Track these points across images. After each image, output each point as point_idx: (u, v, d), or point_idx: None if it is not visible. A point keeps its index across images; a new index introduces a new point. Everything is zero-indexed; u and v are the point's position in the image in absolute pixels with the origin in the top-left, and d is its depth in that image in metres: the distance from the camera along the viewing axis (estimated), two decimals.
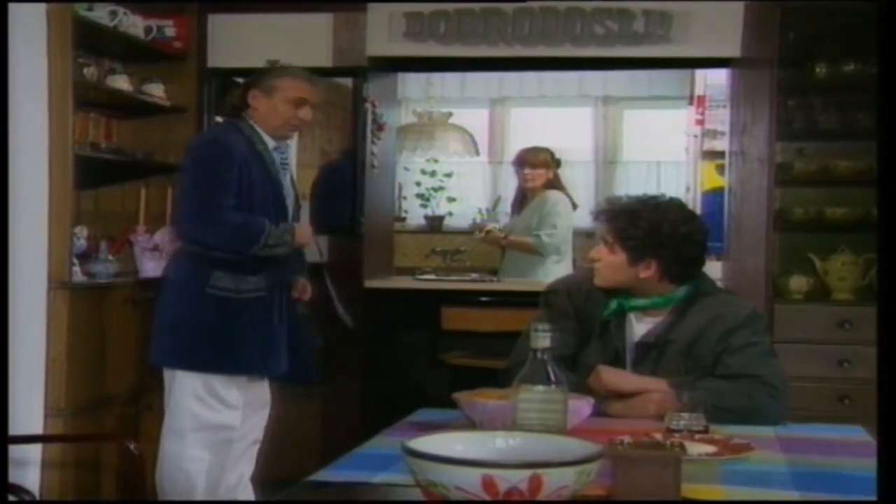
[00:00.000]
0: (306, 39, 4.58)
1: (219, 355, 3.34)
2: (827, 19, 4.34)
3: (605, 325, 2.52)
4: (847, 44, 4.33)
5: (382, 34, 4.57)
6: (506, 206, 5.90)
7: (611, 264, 2.52)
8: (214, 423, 3.36)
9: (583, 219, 6.03)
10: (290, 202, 3.47)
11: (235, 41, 4.62)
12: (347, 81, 4.74)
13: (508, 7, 4.47)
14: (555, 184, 5.16)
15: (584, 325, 2.54)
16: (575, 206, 5.18)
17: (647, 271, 2.49)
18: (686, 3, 4.34)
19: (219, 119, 4.30)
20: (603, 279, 2.54)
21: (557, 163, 5.19)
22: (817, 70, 4.29)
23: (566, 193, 5.17)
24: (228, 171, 3.28)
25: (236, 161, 3.30)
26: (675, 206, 2.58)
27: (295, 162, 4.85)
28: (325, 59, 4.59)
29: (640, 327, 2.52)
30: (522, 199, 5.26)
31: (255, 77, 3.49)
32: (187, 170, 3.41)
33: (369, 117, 4.69)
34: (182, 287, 3.37)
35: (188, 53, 4.49)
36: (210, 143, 3.47)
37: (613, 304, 2.53)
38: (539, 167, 5.11)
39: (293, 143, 4.86)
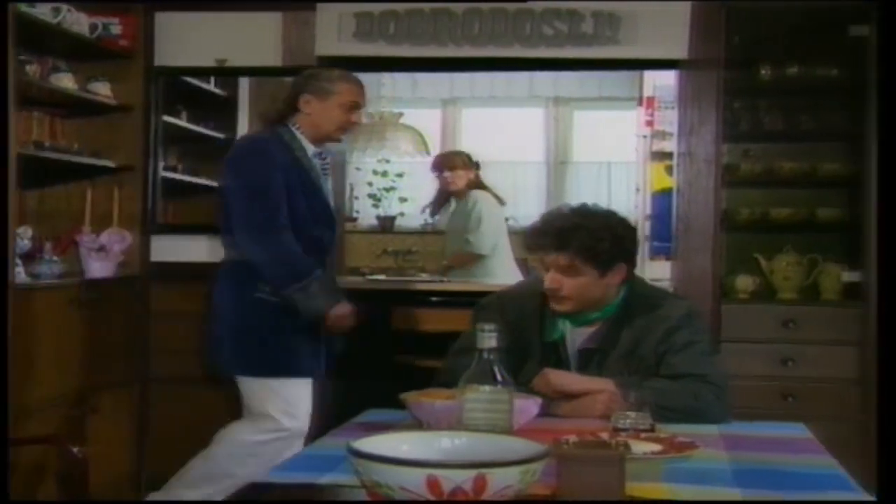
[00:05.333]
0: (255, 39, 4.55)
1: (284, 358, 3.36)
2: (771, 22, 4.41)
3: (545, 343, 2.53)
4: (790, 47, 4.39)
5: (332, 34, 4.55)
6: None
7: (579, 286, 2.46)
8: (288, 427, 3.37)
9: (522, 216, 6.12)
10: (332, 209, 3.49)
11: (183, 40, 4.58)
12: None
13: (458, 8, 4.48)
14: (477, 184, 5.28)
15: (518, 342, 2.47)
16: (502, 203, 5.29)
17: (617, 276, 2.50)
18: (634, 4, 4.37)
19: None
20: (573, 304, 2.48)
21: (476, 164, 5.29)
22: (762, 72, 4.35)
23: (491, 192, 5.26)
24: (276, 181, 3.27)
25: (281, 169, 3.29)
26: (605, 209, 2.59)
27: None
28: (274, 59, 4.57)
29: (580, 333, 2.53)
30: (445, 201, 5.37)
31: (305, 81, 3.44)
32: (237, 179, 3.36)
33: None
34: (237, 294, 3.38)
35: (135, 52, 4.44)
36: (257, 151, 3.39)
37: (559, 326, 2.52)
38: (458, 169, 5.23)
39: None
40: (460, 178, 5.24)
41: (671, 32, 4.35)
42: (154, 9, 4.52)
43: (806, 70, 4.34)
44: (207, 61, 4.58)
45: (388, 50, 4.54)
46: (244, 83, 4.81)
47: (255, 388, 3.38)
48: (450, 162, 5.29)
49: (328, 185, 3.47)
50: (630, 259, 2.52)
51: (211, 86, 4.83)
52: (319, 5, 4.53)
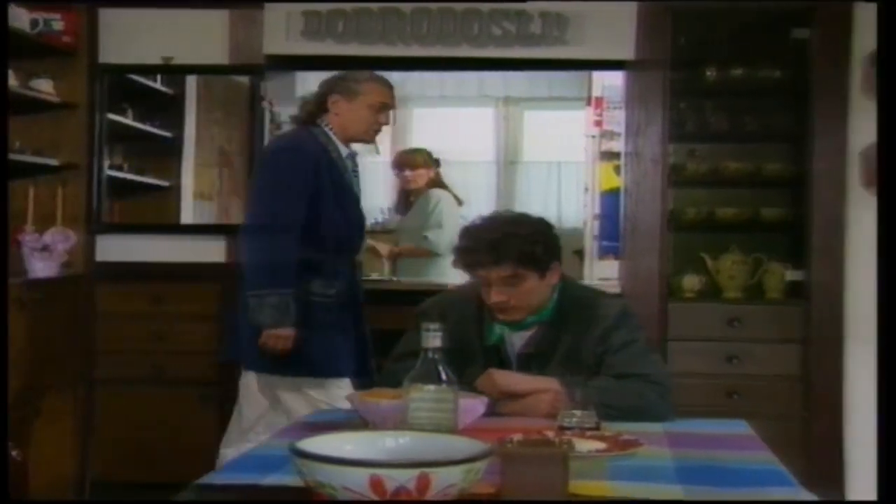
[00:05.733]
0: (202, 36, 4.51)
1: (325, 359, 3.33)
2: (716, 24, 4.46)
3: (485, 347, 2.53)
4: (735, 49, 4.45)
5: (280, 32, 4.53)
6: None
7: (525, 293, 2.46)
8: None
9: (473, 215, 6.09)
10: (363, 210, 3.50)
11: (128, 36, 4.53)
12: (246, 79, 4.69)
13: (406, 7, 4.48)
14: (437, 182, 5.24)
15: (460, 346, 2.42)
16: (460, 203, 5.25)
17: (554, 276, 2.52)
18: (581, 5, 4.40)
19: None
20: (524, 312, 2.49)
21: (436, 162, 5.25)
22: (707, 73, 4.40)
23: (450, 191, 5.23)
24: (303, 182, 3.26)
25: (314, 169, 3.28)
26: (521, 213, 2.61)
27: (192, 161, 4.79)
28: (221, 57, 4.53)
29: (519, 337, 2.54)
30: (405, 200, 5.31)
31: (334, 81, 3.43)
32: (264, 176, 3.36)
33: (267, 116, 4.64)
34: None
35: (78, 48, 4.38)
36: (293, 149, 3.38)
37: (496, 330, 2.53)
38: (419, 167, 5.18)
39: (191, 142, 4.80)
40: (421, 177, 5.18)
41: (618, 33, 4.38)
42: (98, 5, 4.46)
43: (750, 71, 4.39)
44: (153, 59, 4.53)
45: (337, 49, 4.53)
46: (191, 81, 4.77)
47: (287, 388, 3.35)
48: (410, 161, 5.22)
49: (358, 187, 3.49)
50: (560, 257, 2.53)
51: (157, 84, 4.77)
52: (267, 3, 4.50)
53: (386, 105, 3.43)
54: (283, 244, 3.26)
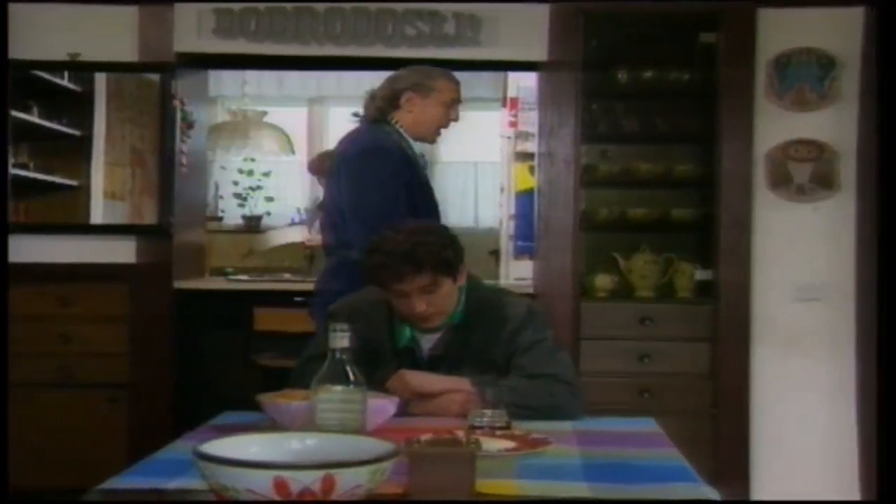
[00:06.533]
0: (111, 33, 4.42)
1: None
2: (626, 27, 4.52)
3: (396, 350, 2.53)
4: (645, 52, 4.52)
5: (191, 30, 4.46)
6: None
7: (443, 299, 2.47)
8: None
9: None
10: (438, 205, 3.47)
11: (36, 32, 4.41)
12: (157, 77, 4.61)
13: (320, 6, 4.45)
14: None
15: (370, 349, 2.44)
16: None
17: (462, 278, 2.54)
18: (495, 6, 4.43)
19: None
20: (442, 317, 2.50)
21: None
22: (619, 75, 4.45)
23: None
24: (397, 178, 3.25)
25: (403, 166, 3.28)
26: (419, 222, 2.66)
27: (102, 160, 4.70)
28: (130, 54, 4.45)
29: (428, 339, 2.55)
30: None
31: (406, 78, 3.41)
32: (359, 176, 3.28)
33: (178, 115, 4.57)
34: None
35: None
36: (379, 148, 3.33)
37: (407, 333, 2.53)
38: None
39: (101, 140, 4.71)
40: None
41: (531, 35, 4.42)
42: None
43: (660, 74, 4.46)
44: (60, 55, 4.43)
45: (250, 47, 4.48)
46: (101, 78, 4.67)
47: None
48: (321, 168, 5.08)
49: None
50: (464, 260, 2.55)
51: (65, 80, 4.67)
52: (177, 2, 4.43)
53: (456, 101, 3.44)
54: None
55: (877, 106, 3.41)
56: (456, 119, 3.47)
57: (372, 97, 3.45)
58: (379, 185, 3.26)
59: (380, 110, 3.40)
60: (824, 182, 4.38)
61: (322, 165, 5.15)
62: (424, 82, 3.41)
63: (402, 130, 3.39)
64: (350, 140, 3.45)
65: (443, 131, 3.55)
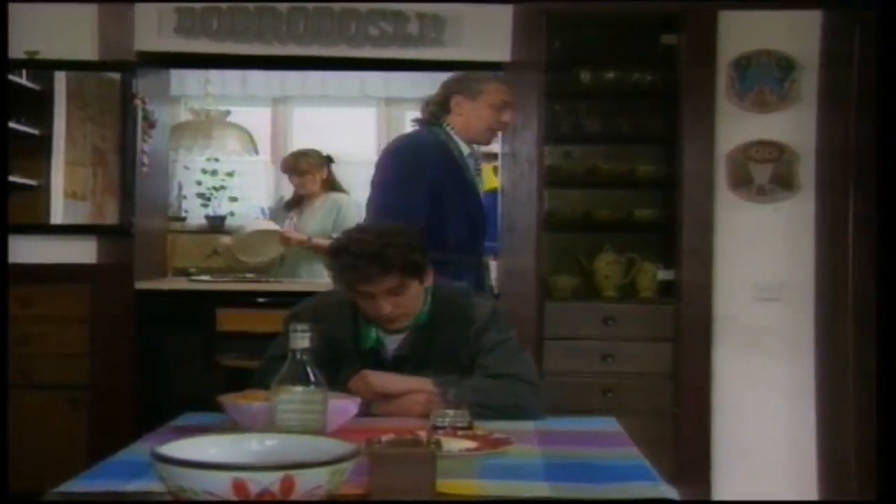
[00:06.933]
0: (70, 31, 4.38)
1: None
2: (589, 29, 4.55)
3: (360, 351, 2.53)
4: (608, 53, 4.54)
5: (152, 29, 4.43)
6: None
7: (410, 300, 2.48)
8: None
9: None
10: (485, 209, 3.50)
11: None
12: (118, 76, 4.57)
13: (283, 6, 4.43)
14: (333, 184, 5.13)
15: (334, 350, 2.45)
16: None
17: (429, 280, 2.54)
18: (458, 7, 4.43)
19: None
20: (408, 318, 2.50)
21: (328, 160, 5.13)
22: (581, 76, 4.48)
23: (344, 191, 5.15)
24: (421, 180, 3.28)
25: (433, 168, 3.30)
26: (386, 223, 2.67)
27: (63, 159, 4.65)
28: (90, 53, 4.41)
29: (393, 340, 2.54)
30: (300, 199, 5.19)
31: (456, 82, 3.46)
32: (384, 173, 3.36)
33: (139, 114, 4.54)
34: None
35: None
36: (411, 149, 3.41)
37: (373, 334, 2.53)
38: (307, 173, 5.03)
39: (61, 139, 4.66)
40: (312, 181, 5.02)
41: (494, 35, 4.42)
42: None
43: (623, 75, 4.49)
44: (17, 53, 4.37)
45: (212, 47, 4.45)
46: (61, 77, 4.62)
47: None
48: (299, 166, 5.03)
49: (480, 186, 3.49)
50: (429, 261, 2.55)
51: (23, 79, 4.62)
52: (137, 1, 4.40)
53: (506, 103, 3.46)
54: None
55: (877, 106, 3.44)
56: (508, 121, 3.51)
57: (426, 102, 3.57)
58: (396, 184, 3.34)
59: (432, 114, 3.50)
60: (784, 183, 4.43)
61: (296, 164, 5.10)
62: (472, 86, 3.47)
63: (452, 133, 3.45)
64: (391, 142, 3.58)
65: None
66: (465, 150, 3.47)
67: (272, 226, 5.55)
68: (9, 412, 2.80)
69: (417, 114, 3.62)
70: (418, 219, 3.26)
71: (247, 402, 2.13)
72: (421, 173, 3.34)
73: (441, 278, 2.65)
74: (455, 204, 3.39)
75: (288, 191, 6.79)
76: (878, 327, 3.35)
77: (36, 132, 4.63)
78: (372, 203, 3.42)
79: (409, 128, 7.31)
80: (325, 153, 5.15)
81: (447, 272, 3.27)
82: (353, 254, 2.43)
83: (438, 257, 3.25)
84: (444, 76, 5.02)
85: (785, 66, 4.42)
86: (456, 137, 3.46)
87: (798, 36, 4.42)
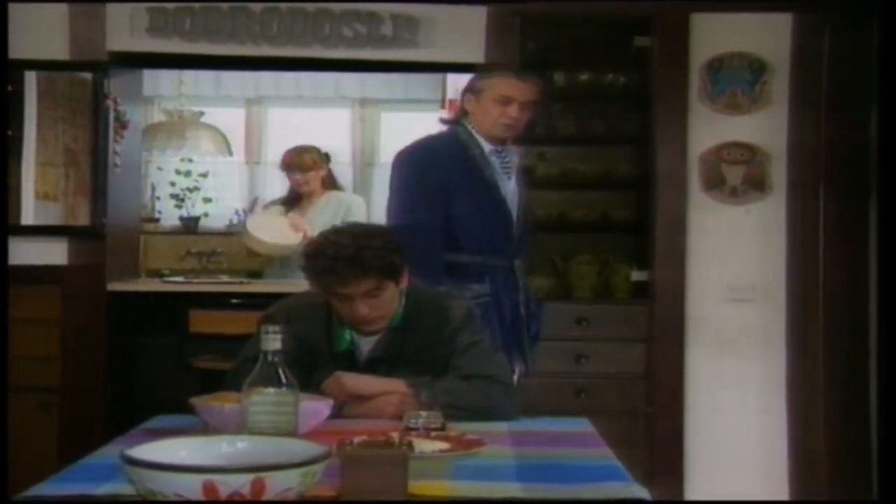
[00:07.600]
0: (40, 30, 4.34)
1: None
2: (562, 30, 4.56)
3: (334, 353, 2.52)
4: (582, 54, 4.56)
5: (124, 29, 4.40)
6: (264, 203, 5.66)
7: (386, 303, 2.47)
8: None
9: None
10: (513, 206, 3.40)
11: None
12: (90, 76, 4.54)
13: (256, 6, 4.42)
14: (334, 183, 5.05)
15: (307, 352, 2.44)
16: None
17: (405, 282, 2.53)
18: (432, 8, 4.43)
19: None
20: (384, 321, 2.49)
21: (326, 158, 5.08)
22: (556, 78, 4.49)
23: (343, 189, 5.11)
24: (431, 180, 3.26)
25: (443, 168, 3.27)
26: (366, 224, 2.65)
27: (34, 160, 4.61)
28: (61, 52, 4.38)
29: (367, 342, 2.54)
30: (298, 197, 5.08)
31: (469, 81, 3.48)
32: (396, 173, 3.36)
33: (111, 115, 4.51)
34: None
35: None
36: (423, 149, 3.40)
37: (347, 336, 2.52)
38: (309, 170, 4.95)
39: (32, 140, 4.62)
40: (313, 179, 4.91)
41: (468, 37, 4.42)
42: None
43: (596, 77, 4.50)
44: None
45: (184, 47, 4.42)
46: (31, 77, 4.58)
47: None
48: (300, 164, 4.90)
49: (509, 185, 3.41)
50: (405, 263, 2.55)
51: None
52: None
53: (510, 98, 3.37)
54: (427, 245, 3.20)
55: (877, 106, 3.47)
56: (515, 116, 3.38)
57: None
58: (402, 183, 3.34)
59: (456, 114, 3.54)
60: (756, 184, 4.45)
61: (300, 159, 4.99)
62: (476, 83, 3.47)
63: (474, 132, 3.42)
64: (404, 146, 3.54)
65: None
66: (487, 147, 3.41)
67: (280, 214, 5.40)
68: (8, 412, 2.77)
69: (443, 113, 3.64)
70: (431, 221, 3.26)
71: (218, 404, 2.12)
72: (430, 176, 3.31)
73: (416, 280, 2.65)
74: (471, 204, 3.33)
75: (264, 191, 6.79)
76: (879, 327, 3.37)
77: (7, 132, 4.59)
78: (388, 206, 3.42)
79: (385, 129, 7.43)
80: (323, 151, 5.08)
81: (467, 275, 3.29)
82: (329, 257, 2.42)
83: (455, 259, 3.29)
84: (418, 77, 5.03)
85: (757, 69, 4.45)
86: (477, 136, 3.41)
87: (769, 38, 4.45)
